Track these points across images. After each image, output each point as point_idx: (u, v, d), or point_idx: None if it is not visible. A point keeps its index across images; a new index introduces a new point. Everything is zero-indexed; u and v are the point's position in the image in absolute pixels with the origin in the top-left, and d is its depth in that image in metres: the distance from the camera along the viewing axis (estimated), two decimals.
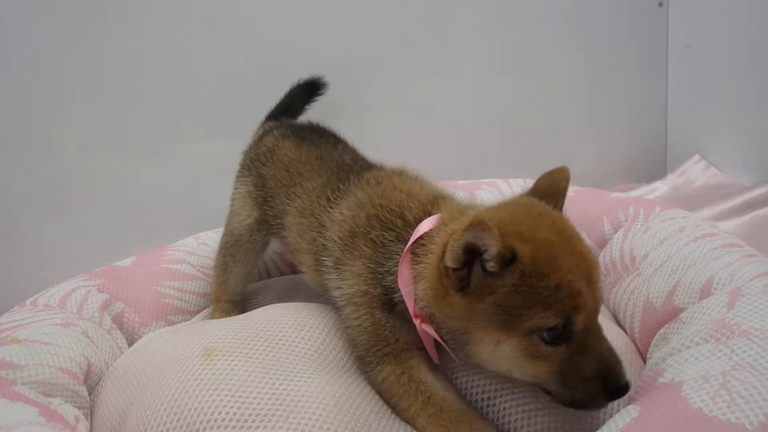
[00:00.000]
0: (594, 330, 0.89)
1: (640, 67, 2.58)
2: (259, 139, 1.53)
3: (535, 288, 0.84)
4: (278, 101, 1.71)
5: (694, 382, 0.80)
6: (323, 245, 1.18)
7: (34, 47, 1.91)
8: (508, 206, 0.97)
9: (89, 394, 1.12)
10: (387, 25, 2.22)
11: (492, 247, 0.84)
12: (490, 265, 0.85)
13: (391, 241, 1.06)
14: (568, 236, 0.90)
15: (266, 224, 1.42)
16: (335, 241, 1.13)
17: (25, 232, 2.00)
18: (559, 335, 0.86)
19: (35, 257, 2.02)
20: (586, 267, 0.88)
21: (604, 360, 0.88)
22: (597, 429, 0.83)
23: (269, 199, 1.39)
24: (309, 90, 1.78)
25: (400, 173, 1.24)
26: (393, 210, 1.09)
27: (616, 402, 0.94)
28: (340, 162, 1.32)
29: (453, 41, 2.32)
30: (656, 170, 2.66)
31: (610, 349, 0.89)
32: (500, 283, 0.86)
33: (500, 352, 0.89)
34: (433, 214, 1.05)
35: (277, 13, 2.07)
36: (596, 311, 0.89)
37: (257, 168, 1.45)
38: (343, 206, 1.17)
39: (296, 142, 1.42)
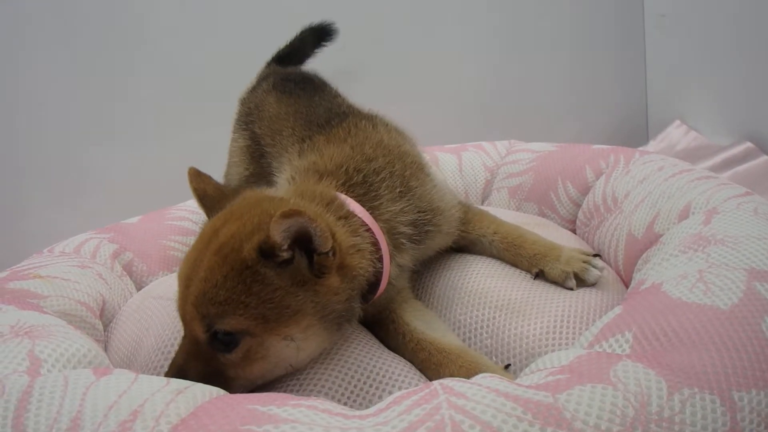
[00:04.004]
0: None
1: (617, 39, 2.66)
2: (253, 89, 1.52)
3: None
4: (289, 41, 1.67)
5: (672, 280, 0.87)
6: None
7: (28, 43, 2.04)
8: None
9: (104, 330, 1.18)
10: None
11: None
12: None
13: None
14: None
15: (264, 178, 1.43)
16: None
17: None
18: None
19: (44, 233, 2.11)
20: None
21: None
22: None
23: (264, 155, 1.41)
24: (319, 34, 1.72)
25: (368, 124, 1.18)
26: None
27: (602, 308, 1.02)
28: (308, 118, 1.26)
29: (450, 17, 2.43)
30: (639, 138, 2.73)
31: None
32: None
33: None
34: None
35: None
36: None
37: (251, 124, 1.45)
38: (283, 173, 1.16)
39: (278, 96, 1.39)
